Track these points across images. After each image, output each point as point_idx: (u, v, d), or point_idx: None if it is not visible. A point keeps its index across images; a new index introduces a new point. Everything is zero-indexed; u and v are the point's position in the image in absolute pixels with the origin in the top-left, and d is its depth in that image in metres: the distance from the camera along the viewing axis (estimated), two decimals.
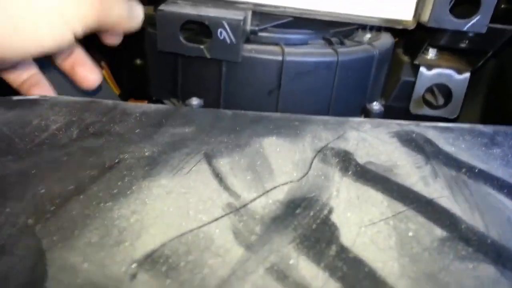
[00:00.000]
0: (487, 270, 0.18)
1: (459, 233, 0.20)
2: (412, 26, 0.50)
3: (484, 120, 0.79)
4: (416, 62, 0.66)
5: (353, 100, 0.59)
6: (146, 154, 0.27)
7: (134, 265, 0.18)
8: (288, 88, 0.52)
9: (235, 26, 0.46)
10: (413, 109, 0.67)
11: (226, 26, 0.46)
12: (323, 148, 0.28)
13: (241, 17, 0.47)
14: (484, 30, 0.45)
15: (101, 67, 0.74)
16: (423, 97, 0.67)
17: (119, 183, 0.24)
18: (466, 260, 0.19)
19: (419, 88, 0.67)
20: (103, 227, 0.21)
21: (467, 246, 0.19)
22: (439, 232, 0.21)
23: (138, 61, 0.74)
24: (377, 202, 0.23)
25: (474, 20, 0.44)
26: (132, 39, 0.62)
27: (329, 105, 0.56)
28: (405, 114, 0.68)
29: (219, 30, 0.46)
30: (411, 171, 0.25)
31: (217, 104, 0.54)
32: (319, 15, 0.50)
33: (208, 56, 0.49)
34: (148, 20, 0.57)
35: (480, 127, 0.29)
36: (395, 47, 0.66)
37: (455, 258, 0.19)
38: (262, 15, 0.52)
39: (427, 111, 0.67)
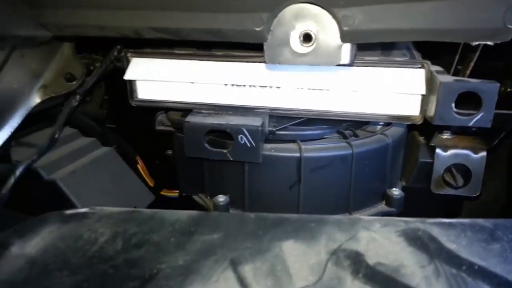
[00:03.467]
0: None
1: None
2: (419, 122, 0.54)
3: (509, 193, 0.79)
4: (432, 143, 0.68)
5: (372, 188, 0.62)
6: (180, 263, 0.32)
7: None
8: (308, 182, 0.56)
9: (254, 132, 0.53)
10: (434, 189, 0.68)
11: (246, 133, 0.53)
12: (336, 250, 0.31)
13: (259, 123, 0.53)
14: (489, 125, 0.47)
15: (135, 161, 0.82)
16: (443, 177, 0.69)
17: None
18: None
19: (438, 169, 0.68)
20: None
21: None
22: None
23: (170, 152, 0.81)
24: None
25: (478, 116, 0.47)
26: (163, 133, 0.70)
27: (349, 195, 0.59)
28: (427, 194, 0.69)
29: (239, 136, 0.53)
30: (415, 271, 0.28)
31: (242, 199, 0.59)
32: (331, 115, 0.55)
33: (231, 159, 0.54)
34: (175, 125, 0.65)
35: (481, 221, 0.32)
36: (410, 129, 0.70)
37: None
38: (279, 116, 0.58)
39: (448, 190, 0.68)
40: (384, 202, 0.64)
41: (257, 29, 0.43)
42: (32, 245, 0.37)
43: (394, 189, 0.64)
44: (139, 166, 0.83)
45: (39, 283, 0.32)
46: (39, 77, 0.62)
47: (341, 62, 0.46)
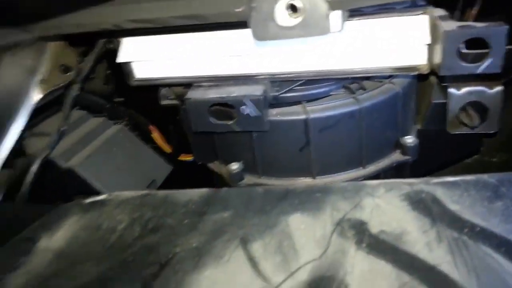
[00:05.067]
0: None
1: None
2: (427, 71, 0.52)
3: None
4: (445, 83, 0.66)
5: (384, 139, 0.62)
6: (194, 245, 0.34)
7: None
8: (317, 143, 0.57)
9: (256, 101, 0.52)
10: (450, 129, 0.67)
11: (249, 103, 0.52)
12: (341, 220, 0.32)
13: (260, 92, 0.53)
14: (499, 70, 0.46)
15: (149, 130, 0.84)
16: (458, 117, 0.67)
17: (174, 278, 0.31)
18: None
19: (452, 109, 0.66)
20: None
21: None
22: None
23: None
24: (386, 275, 0.27)
25: (487, 62, 0.45)
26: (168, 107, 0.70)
27: (361, 149, 0.60)
28: (443, 135, 0.67)
29: (242, 107, 0.53)
30: (417, 237, 0.29)
31: (254, 164, 0.61)
32: (334, 74, 0.54)
33: (236, 130, 0.55)
34: (179, 98, 0.65)
35: (485, 177, 0.32)
36: None
37: None
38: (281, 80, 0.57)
39: (464, 130, 0.67)
40: (398, 151, 0.64)
41: (238, 10, 0.41)
42: (57, 238, 0.40)
43: (407, 137, 0.63)
44: (154, 135, 0.84)
45: (67, 274, 0.35)
46: (35, 73, 0.63)
47: (332, 31, 0.44)
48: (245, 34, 0.54)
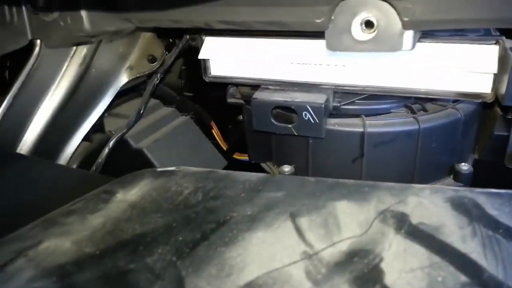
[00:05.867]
0: None
1: (480, 280, 0.27)
2: (491, 99, 0.54)
3: None
4: (510, 116, 0.67)
5: (439, 162, 0.65)
6: (248, 213, 0.40)
7: None
8: (371, 156, 0.61)
9: (318, 109, 0.58)
10: (508, 163, 0.67)
11: (310, 110, 0.58)
12: (384, 211, 0.36)
13: (322, 100, 0.58)
14: None
15: (210, 126, 0.92)
16: None
17: (229, 234, 0.37)
18: None
19: None
20: (219, 264, 0.33)
21: None
22: (463, 278, 0.28)
23: (241, 117, 0.89)
24: (419, 254, 0.31)
25: None
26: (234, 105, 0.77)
27: (414, 169, 0.62)
28: (499, 168, 0.68)
29: (303, 113, 0.58)
30: (454, 230, 0.32)
31: (306, 169, 0.66)
32: (397, 91, 0.58)
33: (295, 133, 0.60)
34: (245, 98, 0.72)
35: None
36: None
37: None
38: (344, 91, 0.62)
39: None
40: (451, 177, 0.66)
41: (318, 20, 0.47)
42: (132, 193, 0.47)
43: (463, 164, 0.65)
44: (213, 131, 0.92)
45: (138, 221, 0.41)
46: (125, 60, 0.74)
47: (403, 49, 0.47)
48: (316, 44, 0.60)
